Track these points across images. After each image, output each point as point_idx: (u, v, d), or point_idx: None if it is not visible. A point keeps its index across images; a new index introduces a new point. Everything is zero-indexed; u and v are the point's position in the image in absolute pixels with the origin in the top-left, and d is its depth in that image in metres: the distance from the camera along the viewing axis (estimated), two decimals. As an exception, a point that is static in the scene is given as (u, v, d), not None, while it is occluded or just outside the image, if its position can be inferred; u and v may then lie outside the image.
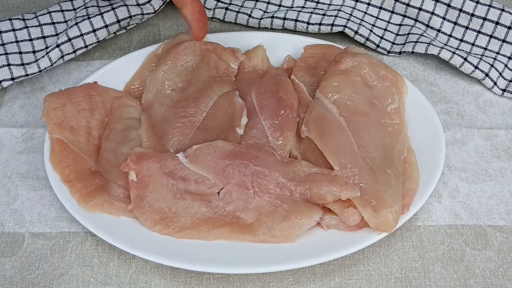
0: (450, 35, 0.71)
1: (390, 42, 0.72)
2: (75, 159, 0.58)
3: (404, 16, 0.73)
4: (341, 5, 0.75)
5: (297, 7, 0.75)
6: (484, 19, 0.69)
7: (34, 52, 0.69)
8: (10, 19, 0.70)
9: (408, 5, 0.72)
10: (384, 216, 0.52)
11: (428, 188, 0.56)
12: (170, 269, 0.55)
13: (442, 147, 0.59)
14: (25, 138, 0.65)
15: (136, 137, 0.60)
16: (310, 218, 0.54)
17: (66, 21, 0.72)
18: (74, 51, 0.69)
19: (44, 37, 0.70)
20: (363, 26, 0.72)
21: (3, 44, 0.68)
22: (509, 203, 0.59)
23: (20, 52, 0.68)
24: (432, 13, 0.71)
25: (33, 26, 0.70)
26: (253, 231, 0.54)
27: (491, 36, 0.70)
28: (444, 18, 0.71)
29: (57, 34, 0.71)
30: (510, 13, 0.68)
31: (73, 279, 0.55)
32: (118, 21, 0.70)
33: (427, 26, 0.72)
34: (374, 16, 0.74)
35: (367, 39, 0.72)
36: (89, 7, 0.71)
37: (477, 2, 0.69)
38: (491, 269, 0.55)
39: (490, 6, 0.68)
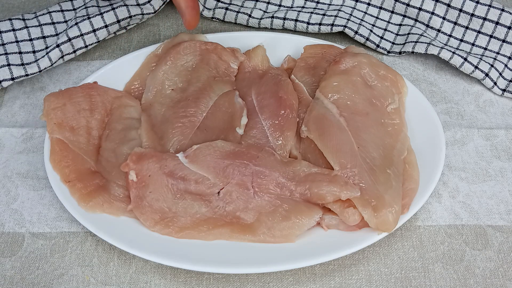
0: (450, 35, 0.71)
1: (390, 42, 0.72)
2: (75, 159, 0.58)
3: (404, 16, 0.73)
4: (341, 5, 0.75)
5: (297, 7, 0.75)
6: (484, 19, 0.69)
7: (34, 52, 0.69)
8: (10, 19, 0.70)
9: (408, 5, 0.72)
10: (384, 216, 0.52)
11: (428, 188, 0.56)
12: (170, 269, 0.55)
13: (442, 147, 0.59)
14: (25, 138, 0.65)
15: (136, 137, 0.60)
16: (310, 218, 0.54)
17: (66, 21, 0.72)
18: (74, 51, 0.69)
19: (44, 37, 0.70)
20: (363, 26, 0.72)
21: (3, 44, 0.68)
22: (509, 203, 0.59)
23: (20, 52, 0.68)
24: (432, 13, 0.71)
25: (33, 26, 0.70)
26: (253, 231, 0.54)
27: (491, 36, 0.70)
28: (444, 18, 0.71)
29: (57, 34, 0.71)
30: (510, 13, 0.68)
31: (73, 279, 0.55)
32: (118, 21, 0.70)
33: (427, 26, 0.72)
34: (374, 16, 0.74)
35: (367, 39, 0.72)
36: (89, 7, 0.71)
37: (477, 2, 0.69)
38: (491, 269, 0.55)
39: (490, 6, 0.68)
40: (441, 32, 0.72)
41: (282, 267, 0.52)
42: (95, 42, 0.69)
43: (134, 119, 0.62)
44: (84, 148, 0.59)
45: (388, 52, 0.72)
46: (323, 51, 0.66)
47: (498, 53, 0.70)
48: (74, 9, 0.73)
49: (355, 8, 0.74)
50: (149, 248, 0.53)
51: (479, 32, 0.70)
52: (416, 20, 0.73)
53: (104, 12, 0.69)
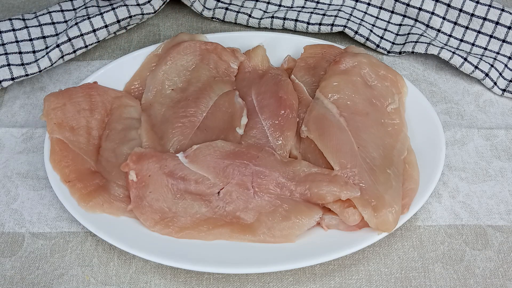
0: (450, 35, 0.71)
1: (390, 42, 0.72)
2: (75, 159, 0.58)
3: (404, 16, 0.73)
4: (341, 5, 0.75)
5: (297, 7, 0.75)
6: (484, 19, 0.69)
7: (34, 52, 0.69)
8: (10, 19, 0.70)
9: (408, 5, 0.72)
10: (384, 216, 0.52)
11: (428, 188, 0.56)
12: (170, 269, 0.55)
13: (442, 147, 0.59)
14: (25, 138, 0.65)
15: (136, 137, 0.60)
16: (310, 218, 0.54)
17: (66, 21, 0.72)
18: (74, 51, 0.69)
19: (44, 37, 0.70)
20: (363, 26, 0.72)
21: (3, 44, 0.68)
22: (509, 203, 0.59)
23: (20, 52, 0.68)
24: (432, 13, 0.71)
25: (33, 26, 0.70)
26: (253, 231, 0.54)
27: (491, 36, 0.70)
28: (444, 18, 0.71)
29: (57, 34, 0.71)
30: (510, 13, 0.68)
31: (73, 279, 0.55)
32: (118, 21, 0.70)
33: (427, 26, 0.72)
34: (374, 16, 0.74)
35: (367, 39, 0.72)
36: (89, 7, 0.71)
37: (477, 2, 0.69)
38: (491, 269, 0.55)
39: (490, 6, 0.68)
40: (441, 32, 0.72)
41: (282, 267, 0.52)
42: (95, 42, 0.69)
43: (134, 119, 0.62)
44: (84, 148, 0.59)
45: (388, 52, 0.72)
46: (323, 51, 0.66)
47: (498, 53, 0.70)
48: (74, 9, 0.73)
49: (355, 8, 0.74)
50: (149, 248, 0.53)
51: (479, 32, 0.70)
52: (416, 20, 0.73)
53: (104, 12, 0.69)
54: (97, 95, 0.62)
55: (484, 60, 0.68)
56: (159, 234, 0.54)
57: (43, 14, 0.72)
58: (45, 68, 0.67)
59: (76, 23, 0.68)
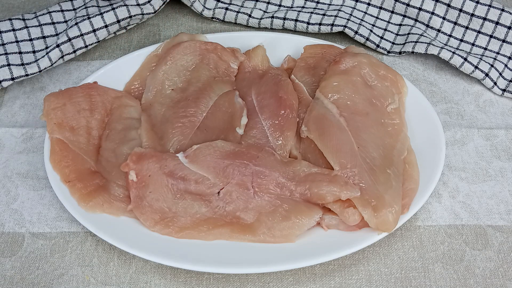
0: (450, 35, 0.71)
1: (390, 42, 0.72)
2: (75, 159, 0.58)
3: (404, 16, 0.73)
4: (341, 5, 0.75)
5: (297, 7, 0.75)
6: (484, 19, 0.69)
7: (34, 52, 0.69)
8: (10, 19, 0.70)
9: (408, 5, 0.72)
10: (384, 216, 0.52)
11: (428, 188, 0.56)
12: (170, 269, 0.55)
13: (442, 147, 0.59)
14: (25, 138, 0.65)
15: (136, 137, 0.60)
16: (310, 218, 0.54)
17: (66, 21, 0.72)
18: (74, 51, 0.69)
19: (44, 37, 0.70)
20: (363, 26, 0.72)
21: (3, 44, 0.68)
22: (509, 203, 0.59)
23: (20, 52, 0.68)
24: (432, 13, 0.71)
25: (33, 26, 0.70)
26: (253, 231, 0.54)
27: (491, 36, 0.70)
28: (444, 18, 0.71)
29: (57, 34, 0.71)
30: (510, 13, 0.68)
31: (73, 279, 0.55)
32: (118, 21, 0.70)
33: (427, 26, 0.72)
34: (374, 16, 0.74)
35: (367, 39, 0.72)
36: (89, 7, 0.71)
37: (477, 2, 0.69)
38: (491, 269, 0.55)
39: (490, 6, 0.68)
40: (441, 32, 0.72)
41: (282, 267, 0.52)
42: (95, 42, 0.69)
43: (134, 119, 0.62)
44: (84, 148, 0.59)
45: (388, 52, 0.72)
46: (323, 51, 0.66)
47: (498, 53, 0.70)
48: (74, 9, 0.73)
49: (355, 8, 0.74)
50: (149, 248, 0.53)
51: (479, 32, 0.70)
52: (416, 20, 0.73)
53: (104, 12, 0.69)
54: (97, 95, 0.62)
55: (484, 60, 0.68)
56: (159, 234, 0.54)
57: (43, 14, 0.72)
58: (45, 68, 0.67)
59: (76, 23, 0.68)
